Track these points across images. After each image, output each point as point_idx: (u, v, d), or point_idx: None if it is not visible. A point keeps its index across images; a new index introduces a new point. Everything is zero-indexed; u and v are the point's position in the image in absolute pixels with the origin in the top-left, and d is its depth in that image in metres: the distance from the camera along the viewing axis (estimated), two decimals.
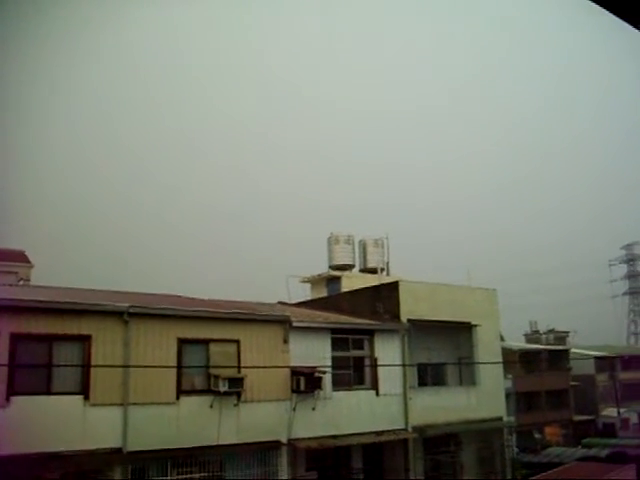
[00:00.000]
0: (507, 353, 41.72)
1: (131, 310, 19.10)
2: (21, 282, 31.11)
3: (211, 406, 20.18)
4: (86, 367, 18.04)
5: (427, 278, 29.61)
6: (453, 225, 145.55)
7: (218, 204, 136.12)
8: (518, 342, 62.84)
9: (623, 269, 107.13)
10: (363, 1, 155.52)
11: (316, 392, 22.56)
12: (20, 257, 36.12)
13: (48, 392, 17.40)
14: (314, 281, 45.12)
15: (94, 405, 17.98)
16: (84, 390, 17.96)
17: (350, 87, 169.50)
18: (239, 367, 21.01)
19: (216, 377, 20.17)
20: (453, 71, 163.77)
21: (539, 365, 56.41)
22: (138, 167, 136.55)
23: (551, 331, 70.00)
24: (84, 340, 18.27)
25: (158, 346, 19.62)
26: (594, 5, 2.97)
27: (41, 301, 17.99)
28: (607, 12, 2.99)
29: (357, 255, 45.85)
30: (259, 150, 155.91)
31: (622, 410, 59.42)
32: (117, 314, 18.94)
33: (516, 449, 37.85)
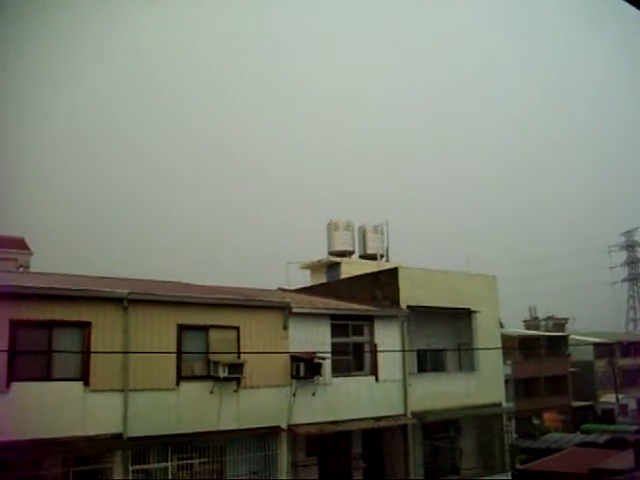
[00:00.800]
0: (506, 339, 41.83)
1: (130, 296, 19.08)
2: (20, 269, 31.11)
3: (211, 392, 20.21)
4: (86, 353, 18.05)
5: (427, 265, 29.47)
6: (454, 213, 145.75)
7: (219, 194, 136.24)
8: (517, 328, 62.98)
9: (623, 255, 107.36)
10: (364, 1, 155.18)
11: (316, 378, 22.58)
12: (19, 244, 36.10)
13: (48, 378, 17.39)
14: (314, 267, 45.12)
15: (94, 391, 17.99)
16: (84, 376, 17.96)
17: (353, 80, 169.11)
18: (239, 353, 21.03)
19: (216, 363, 20.18)
20: (454, 64, 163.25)
21: (538, 351, 56.59)
22: (139, 160, 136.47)
23: (550, 318, 70.25)
24: (84, 326, 18.25)
25: (158, 332, 19.62)
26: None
27: (41, 287, 17.95)
28: (607, 3, 2.93)
29: (357, 241, 45.85)
30: (261, 140, 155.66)
31: (621, 396, 59.67)
32: (117, 300, 18.92)
33: (515, 435, 38.09)
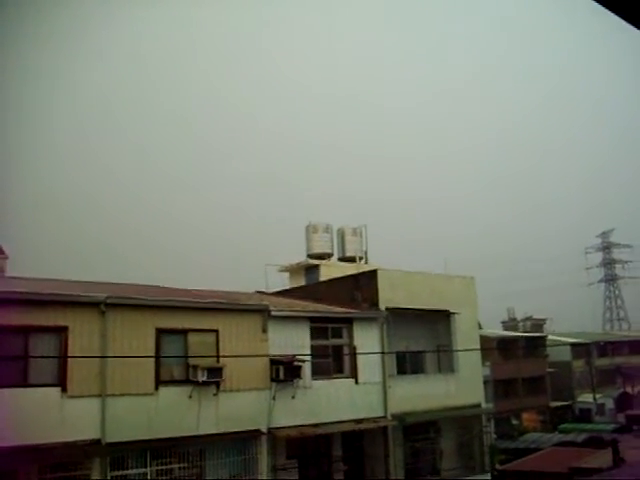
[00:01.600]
0: (485, 340, 42.05)
1: (108, 301, 18.92)
2: None
3: (190, 396, 20.09)
4: (63, 358, 17.86)
5: (406, 267, 29.52)
6: (433, 216, 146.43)
7: (203, 196, 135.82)
8: (496, 330, 63.31)
9: (599, 257, 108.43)
10: (365, 2, 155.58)
11: (295, 381, 22.55)
12: None
13: (25, 384, 17.19)
14: (292, 270, 45.00)
15: (72, 397, 17.81)
16: (61, 382, 17.77)
17: (349, 82, 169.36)
18: (218, 357, 20.92)
19: (195, 367, 20.07)
20: (451, 69, 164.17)
21: (516, 352, 56.90)
22: (136, 160, 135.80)
23: (528, 318, 70.66)
24: (61, 331, 18.06)
25: (136, 336, 19.48)
26: (594, 4, 2.94)
27: (16, 292, 17.75)
28: (606, 11, 2.96)
29: (335, 244, 45.78)
30: (255, 142, 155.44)
31: (598, 396, 60.18)
32: (94, 305, 18.75)
33: (494, 435, 38.21)
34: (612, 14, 2.98)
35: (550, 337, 62.97)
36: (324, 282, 34.61)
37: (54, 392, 17.62)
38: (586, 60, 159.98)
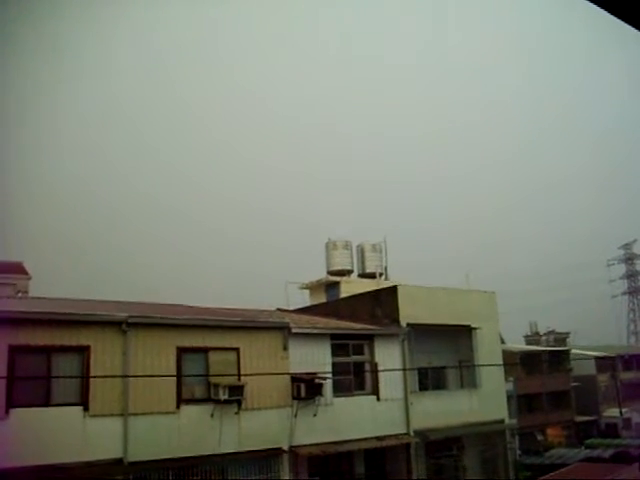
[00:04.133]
0: (508, 355, 41.66)
1: (130, 320, 19.04)
2: (19, 294, 31.03)
3: (212, 415, 20.10)
4: (85, 378, 17.97)
5: (426, 282, 29.46)
6: (453, 228, 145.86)
7: (216, 214, 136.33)
8: (518, 344, 62.78)
9: (622, 268, 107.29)
10: (365, 3, 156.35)
11: (317, 398, 22.49)
12: (18, 269, 36.03)
13: (47, 404, 17.32)
14: (313, 287, 45.05)
15: (94, 416, 17.91)
16: (84, 401, 17.89)
17: (347, 88, 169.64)
18: (239, 375, 20.94)
19: (216, 385, 20.10)
20: (454, 75, 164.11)
21: (540, 367, 56.31)
22: (145, 169, 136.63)
23: (551, 332, 69.95)
24: (83, 351, 18.20)
25: (157, 355, 19.56)
26: (591, 5, 2.94)
27: (39, 312, 17.94)
28: (605, 12, 2.96)
29: (355, 260, 45.80)
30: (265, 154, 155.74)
31: (624, 410, 59.34)
32: (115, 324, 18.88)
33: (519, 451, 37.79)
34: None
35: (574, 351, 62.31)
36: (344, 299, 34.60)
37: (76, 411, 17.72)
38: (607, 70, 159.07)
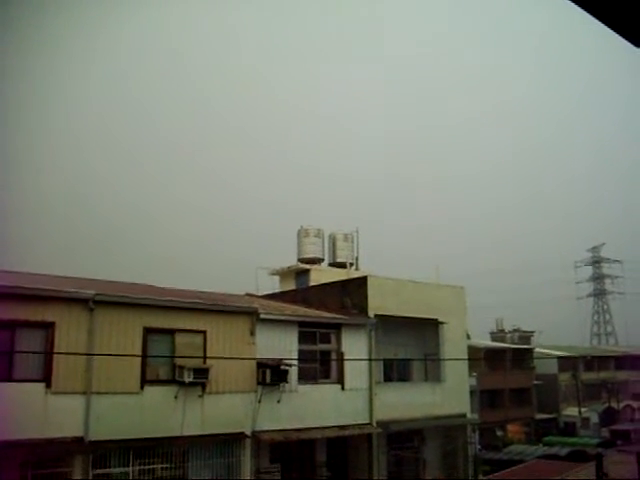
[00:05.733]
0: (473, 350, 42.04)
1: (97, 298, 18.83)
2: None
3: (175, 397, 20.01)
4: (49, 354, 17.76)
5: (396, 275, 29.53)
6: (425, 222, 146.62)
7: (193, 198, 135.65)
8: (484, 340, 63.38)
9: (588, 271, 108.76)
10: (366, 4, 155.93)
11: (282, 385, 22.49)
12: None
13: (9, 379, 17.07)
14: (283, 274, 44.93)
15: (56, 393, 17.71)
16: (46, 378, 17.67)
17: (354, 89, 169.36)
18: (205, 358, 20.86)
19: (181, 367, 20.00)
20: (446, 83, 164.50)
21: (503, 363, 56.97)
22: (129, 166, 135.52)
23: (516, 330, 70.68)
24: (48, 327, 17.96)
25: (123, 335, 19.39)
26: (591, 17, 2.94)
27: (4, 286, 17.64)
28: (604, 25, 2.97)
29: (327, 249, 45.77)
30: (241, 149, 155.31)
31: (583, 410, 60.29)
32: (82, 301, 18.66)
33: (479, 446, 38.23)
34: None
35: (537, 349, 63.11)
36: (314, 287, 34.57)
37: (38, 388, 17.50)
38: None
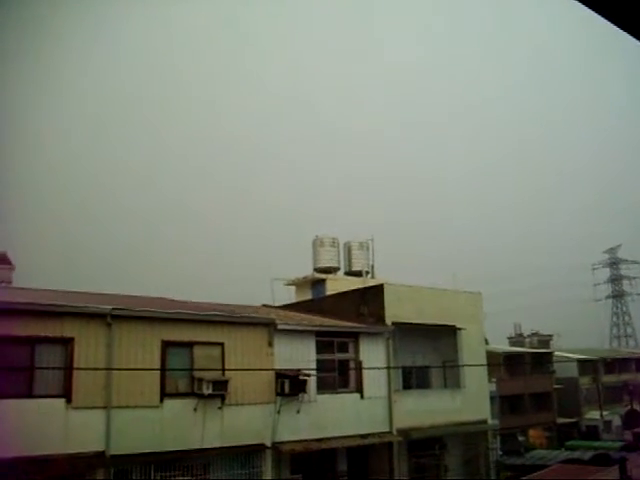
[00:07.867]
0: (491, 356, 41.81)
1: (114, 312, 18.92)
2: (2, 284, 30.77)
3: (195, 409, 20.03)
4: (68, 370, 17.84)
5: (413, 281, 29.49)
6: (441, 230, 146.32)
7: (204, 208, 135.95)
8: (502, 345, 63.04)
9: (606, 273, 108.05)
10: (366, 5, 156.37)
11: (301, 395, 22.45)
12: (1, 259, 35.72)
13: (30, 395, 17.16)
14: (299, 284, 44.95)
15: (76, 408, 17.78)
16: (66, 393, 17.75)
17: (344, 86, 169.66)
18: (223, 370, 20.89)
19: (200, 380, 20.03)
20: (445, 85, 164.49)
21: (523, 368, 56.58)
22: (126, 169, 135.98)
23: (535, 334, 70.32)
24: (66, 342, 18.06)
25: (142, 348, 19.46)
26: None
27: (22, 303, 17.77)
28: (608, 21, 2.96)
29: (342, 258, 45.76)
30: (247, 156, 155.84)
31: (605, 413, 59.74)
32: (100, 316, 18.75)
33: (500, 452, 37.95)
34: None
35: (557, 353, 62.64)
36: (330, 296, 34.54)
37: (59, 403, 17.59)
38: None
